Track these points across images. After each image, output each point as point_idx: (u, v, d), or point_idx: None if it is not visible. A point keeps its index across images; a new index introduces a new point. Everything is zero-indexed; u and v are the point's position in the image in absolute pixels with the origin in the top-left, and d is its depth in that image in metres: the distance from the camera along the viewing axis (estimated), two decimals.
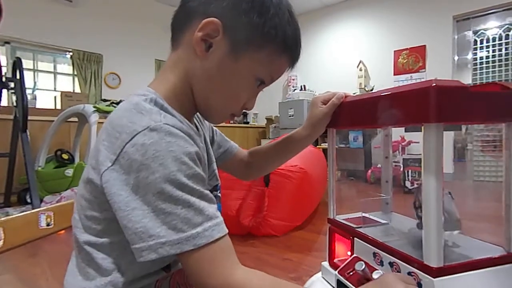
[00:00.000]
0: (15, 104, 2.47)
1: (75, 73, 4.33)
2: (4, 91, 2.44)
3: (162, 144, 0.35)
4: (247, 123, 5.36)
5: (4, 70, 2.43)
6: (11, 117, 2.55)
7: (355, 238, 0.52)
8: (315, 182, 2.15)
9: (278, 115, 4.86)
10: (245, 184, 1.89)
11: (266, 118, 5.28)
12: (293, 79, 5.23)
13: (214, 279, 0.36)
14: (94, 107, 2.87)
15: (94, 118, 2.82)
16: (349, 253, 0.53)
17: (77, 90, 4.37)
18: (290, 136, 0.62)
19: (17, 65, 2.43)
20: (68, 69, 4.37)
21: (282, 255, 1.72)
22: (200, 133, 0.53)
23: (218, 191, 0.57)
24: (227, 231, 0.38)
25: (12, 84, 2.41)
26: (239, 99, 0.47)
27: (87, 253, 0.40)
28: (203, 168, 0.41)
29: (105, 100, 4.28)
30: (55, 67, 4.32)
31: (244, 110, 0.50)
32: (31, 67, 4.11)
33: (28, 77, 4.03)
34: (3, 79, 2.37)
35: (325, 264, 0.57)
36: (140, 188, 0.34)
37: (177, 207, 0.35)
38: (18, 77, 2.41)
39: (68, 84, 4.41)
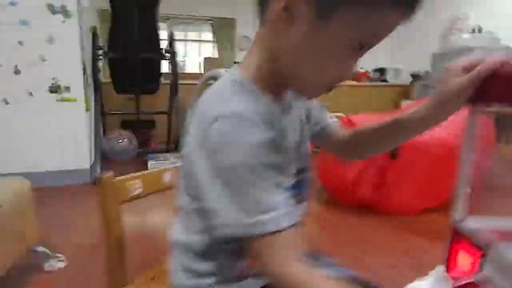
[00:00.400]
0: (170, 72, 3.06)
1: (214, 39, 4.91)
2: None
3: (236, 131, 0.38)
4: (385, 81, 4.78)
5: (165, 44, 3.01)
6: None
7: (488, 256, 0.39)
8: None
9: (430, 70, 4.07)
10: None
11: (411, 75, 4.54)
12: (463, 19, 3.98)
13: (270, 267, 0.39)
14: (225, 71, 3.21)
15: None
16: (476, 271, 0.41)
17: (216, 55, 4.96)
18: (407, 116, 0.50)
19: (171, 38, 2.99)
20: (209, 36, 4.98)
21: (403, 237, 1.56)
22: (292, 113, 0.51)
23: (307, 173, 0.55)
24: (292, 223, 0.39)
25: (168, 55, 2.98)
26: (332, 70, 0.42)
27: (185, 212, 0.50)
28: (282, 153, 0.42)
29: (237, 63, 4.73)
30: (199, 36, 5.01)
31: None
32: (182, 37, 4.92)
33: (180, 47, 4.89)
34: (163, 51, 2.96)
35: (442, 269, 0.47)
36: (216, 171, 0.39)
37: (245, 193, 0.38)
38: (171, 49, 2.97)
39: (209, 50, 5.06)
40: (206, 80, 3.47)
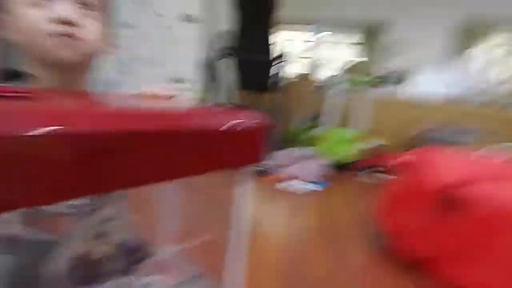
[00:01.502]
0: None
1: (362, 43, 4.67)
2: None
3: None
4: None
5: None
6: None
7: None
8: None
9: None
10: (431, 199, 1.36)
11: None
12: None
13: None
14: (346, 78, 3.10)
15: (334, 90, 3.08)
16: None
17: (359, 59, 4.68)
18: None
19: (283, 45, 3.16)
20: (357, 39, 4.77)
21: None
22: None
23: None
24: None
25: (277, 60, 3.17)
26: (26, 17, 0.47)
27: None
28: None
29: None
30: (347, 39, 4.87)
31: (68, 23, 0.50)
32: (331, 40, 4.94)
33: (326, 50, 4.93)
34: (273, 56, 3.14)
35: None
36: None
37: None
38: (280, 54, 3.14)
39: (356, 53, 4.84)
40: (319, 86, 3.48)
